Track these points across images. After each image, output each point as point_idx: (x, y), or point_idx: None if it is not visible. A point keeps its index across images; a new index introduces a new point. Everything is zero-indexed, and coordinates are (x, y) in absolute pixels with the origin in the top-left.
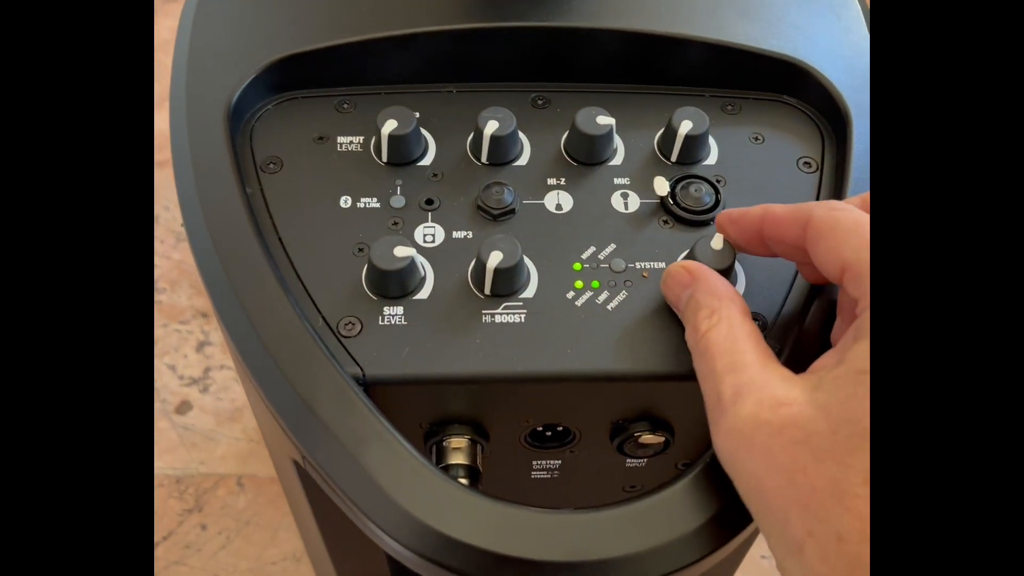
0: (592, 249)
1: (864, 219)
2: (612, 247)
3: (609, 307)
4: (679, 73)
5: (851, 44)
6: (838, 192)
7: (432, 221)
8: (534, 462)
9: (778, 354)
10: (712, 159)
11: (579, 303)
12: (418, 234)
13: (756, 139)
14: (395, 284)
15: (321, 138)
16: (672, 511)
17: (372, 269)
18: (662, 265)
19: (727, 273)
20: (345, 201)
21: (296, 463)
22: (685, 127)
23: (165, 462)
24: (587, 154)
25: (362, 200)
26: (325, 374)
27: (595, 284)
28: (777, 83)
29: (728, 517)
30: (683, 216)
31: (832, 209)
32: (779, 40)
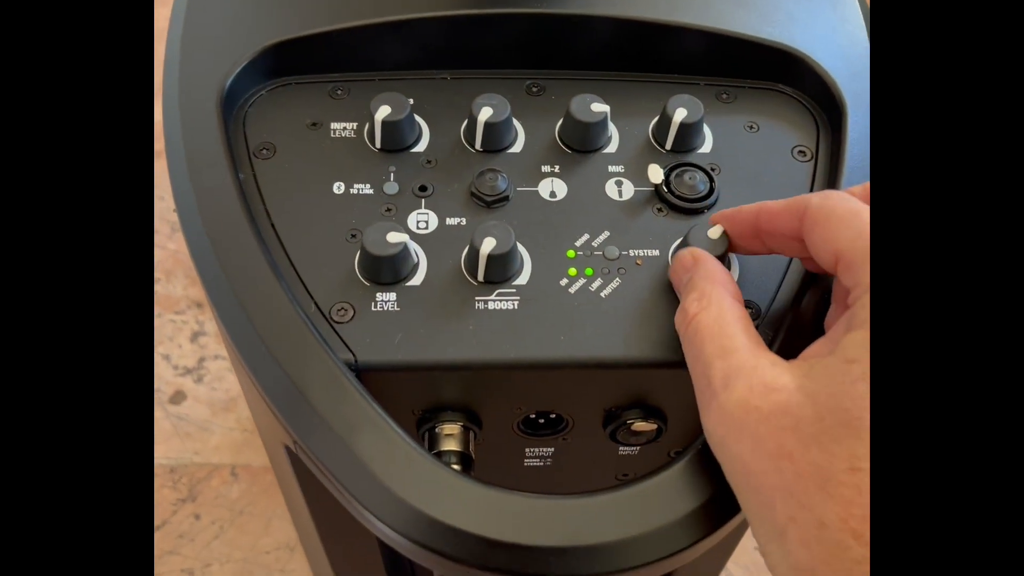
0: (586, 236)
1: (859, 208)
2: (606, 234)
3: (603, 294)
4: (674, 61)
5: (847, 33)
6: (832, 181)
7: (425, 208)
8: (527, 449)
9: (771, 341)
10: (707, 147)
11: (572, 290)
12: (411, 220)
13: (751, 128)
14: (388, 270)
15: (314, 124)
16: (664, 497)
17: (365, 255)
18: (656, 253)
19: (720, 259)
20: (338, 187)
21: (288, 449)
22: (680, 115)
23: (159, 452)
24: (581, 141)
25: (355, 186)
26: (317, 360)
27: (589, 271)
28: (772, 72)
29: (720, 504)
30: (677, 204)
31: (828, 198)
32: (774, 28)
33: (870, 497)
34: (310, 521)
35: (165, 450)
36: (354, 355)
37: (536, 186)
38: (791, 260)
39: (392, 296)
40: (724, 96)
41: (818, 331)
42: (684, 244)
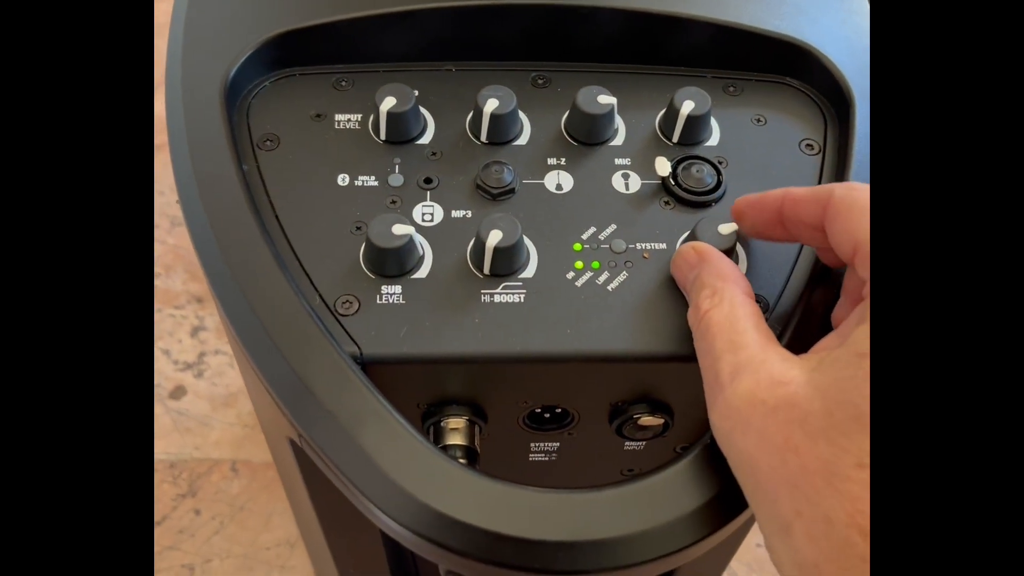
0: (592, 229)
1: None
2: (613, 227)
3: (609, 288)
4: (681, 53)
5: (854, 26)
6: (840, 175)
7: (431, 200)
8: (532, 444)
9: (780, 335)
10: (714, 140)
11: (579, 283)
12: (417, 213)
13: (758, 120)
14: (393, 263)
15: (319, 115)
16: (671, 493)
17: (370, 247)
18: (663, 246)
19: (728, 254)
20: (343, 179)
21: (292, 442)
22: (687, 108)
23: (159, 447)
24: (588, 134)
25: (360, 178)
26: (322, 353)
27: (595, 265)
28: (780, 64)
29: (727, 500)
30: (684, 197)
31: (852, 189)
32: (782, 21)
33: (869, 492)
34: (313, 515)
35: (165, 445)
36: (359, 348)
37: (542, 179)
38: (799, 254)
39: (397, 289)
40: (731, 89)
41: (827, 323)
42: (692, 237)
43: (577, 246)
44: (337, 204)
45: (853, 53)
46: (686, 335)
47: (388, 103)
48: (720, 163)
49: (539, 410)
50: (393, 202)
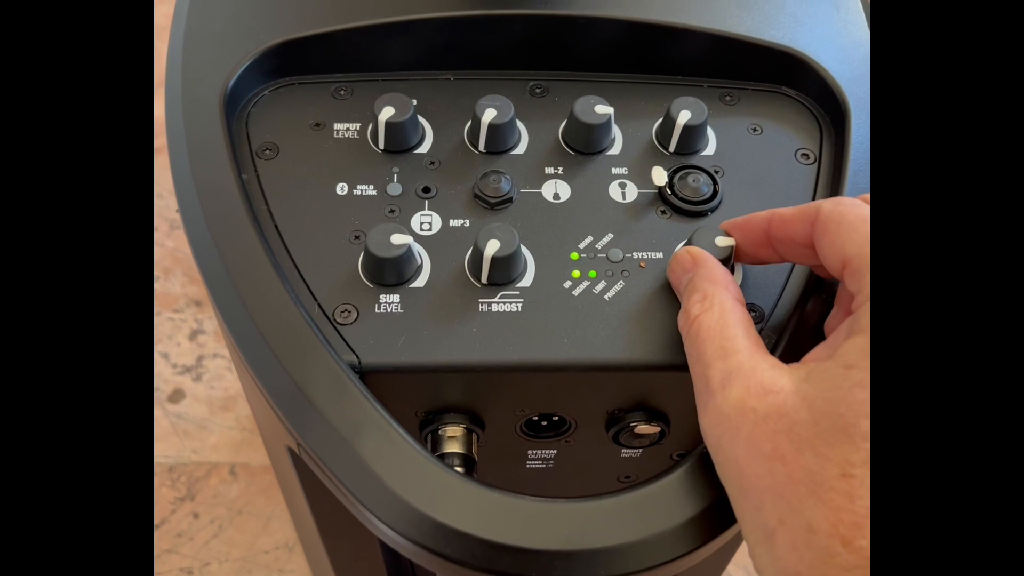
0: (589, 239)
1: (869, 215)
2: (609, 237)
3: (606, 297)
4: (678, 63)
5: (850, 36)
6: (836, 184)
7: (429, 209)
8: (529, 452)
9: (775, 345)
10: (710, 150)
11: (576, 293)
12: (415, 222)
13: (754, 130)
14: (391, 272)
15: (318, 124)
16: (667, 501)
17: (368, 257)
18: (659, 255)
19: (724, 264)
20: (341, 188)
21: (291, 450)
22: (684, 117)
23: (158, 450)
24: (585, 143)
25: (359, 187)
26: (321, 362)
27: (592, 274)
28: (776, 74)
29: (723, 509)
30: (681, 206)
31: (839, 204)
32: (778, 31)
33: (870, 505)
34: (311, 521)
35: (164, 449)
36: (357, 357)
37: (539, 188)
38: (794, 264)
39: (395, 298)
40: (727, 98)
41: (820, 335)
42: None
43: (574, 255)
44: (336, 213)
45: (849, 63)
46: (682, 344)
47: (387, 113)
48: (716, 172)
49: (536, 418)
50: (391, 211)
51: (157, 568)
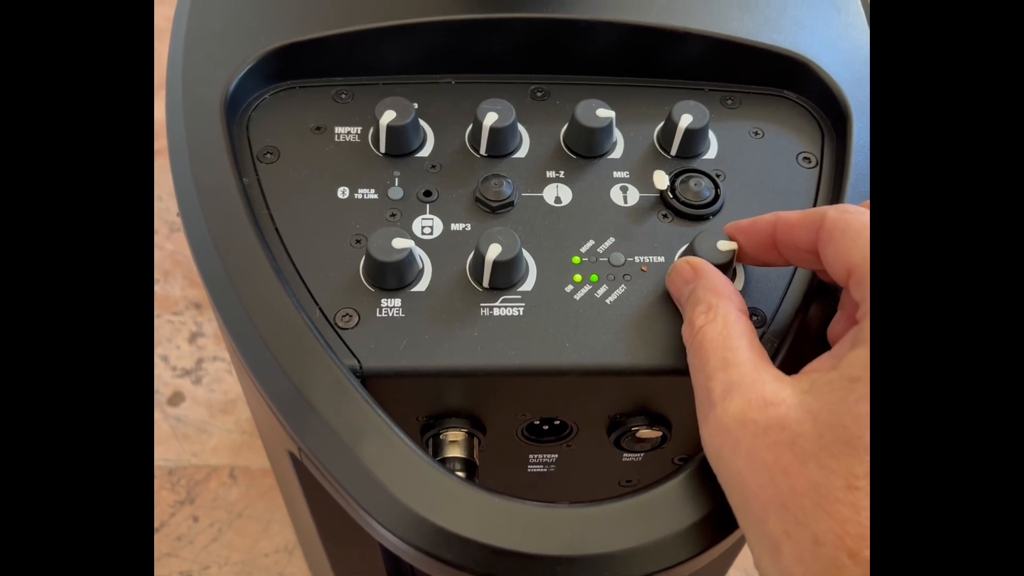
0: (591, 243)
1: None
2: (611, 241)
3: (608, 301)
4: (679, 66)
5: (851, 39)
6: (837, 188)
7: (430, 213)
8: (531, 456)
9: (776, 350)
10: (712, 153)
11: (578, 297)
12: (416, 226)
13: (756, 134)
14: (393, 276)
15: (319, 128)
16: (670, 507)
17: (370, 261)
18: (661, 259)
19: (726, 268)
20: (343, 192)
21: (292, 455)
22: (685, 121)
23: (157, 453)
24: (587, 147)
25: (360, 191)
26: (322, 366)
27: (594, 278)
28: (777, 78)
29: (724, 514)
30: (682, 210)
31: (844, 211)
32: (779, 34)
33: (858, 514)
34: (312, 525)
35: (163, 452)
36: (359, 361)
37: (541, 192)
38: (796, 268)
39: (397, 302)
40: (729, 102)
41: (822, 340)
42: (690, 251)
43: (576, 259)
44: (337, 217)
45: (850, 66)
46: (684, 349)
47: (388, 116)
48: (718, 176)
49: (538, 422)
50: (393, 215)
51: (157, 571)
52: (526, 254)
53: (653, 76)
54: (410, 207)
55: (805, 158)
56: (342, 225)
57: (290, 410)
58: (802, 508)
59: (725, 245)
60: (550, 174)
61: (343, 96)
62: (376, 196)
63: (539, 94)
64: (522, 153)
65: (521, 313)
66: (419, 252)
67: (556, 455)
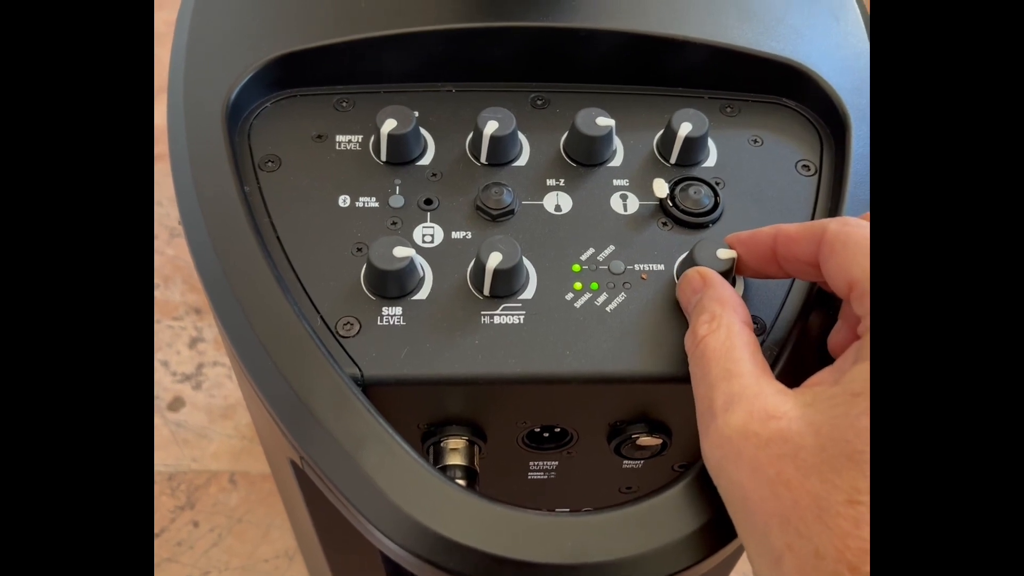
0: (591, 251)
1: None
2: (611, 248)
3: (608, 309)
4: (679, 74)
5: (850, 47)
6: (836, 196)
7: (431, 221)
8: (531, 463)
9: (775, 358)
10: (711, 161)
11: (578, 305)
12: (417, 234)
13: (755, 142)
14: (394, 284)
15: (320, 136)
16: (669, 514)
17: (371, 269)
18: (661, 267)
19: (726, 276)
20: (344, 200)
21: (293, 462)
22: (684, 129)
23: (157, 459)
24: (587, 155)
25: (361, 199)
26: (323, 374)
27: (594, 286)
28: (776, 86)
29: (725, 522)
30: (682, 218)
31: (845, 224)
32: (778, 42)
33: (859, 528)
34: (312, 532)
35: (163, 457)
36: (360, 370)
37: (541, 200)
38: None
39: (398, 310)
40: (728, 110)
41: (823, 348)
42: (689, 259)
43: (576, 267)
44: (338, 225)
45: (849, 74)
46: (684, 356)
47: (389, 125)
48: (718, 184)
49: (538, 430)
50: (394, 223)
51: None
52: (526, 262)
53: (653, 84)
54: (411, 215)
55: (804, 166)
56: (343, 233)
57: (292, 418)
58: (804, 521)
59: (724, 253)
60: (550, 182)
61: (344, 104)
62: (377, 204)
63: (539, 102)
64: (522, 161)
65: (522, 321)
66: (420, 260)
67: (556, 462)
